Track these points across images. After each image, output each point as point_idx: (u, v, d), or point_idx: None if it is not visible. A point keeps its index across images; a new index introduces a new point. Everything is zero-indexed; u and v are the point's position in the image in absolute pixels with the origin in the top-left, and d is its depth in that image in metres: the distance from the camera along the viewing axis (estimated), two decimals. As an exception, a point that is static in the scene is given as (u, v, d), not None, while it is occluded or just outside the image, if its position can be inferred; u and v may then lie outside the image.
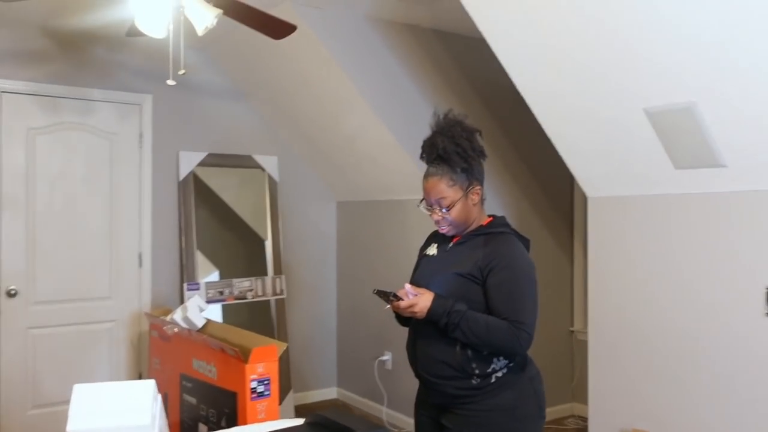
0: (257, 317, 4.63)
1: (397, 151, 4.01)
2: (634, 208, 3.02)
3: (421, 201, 2.10)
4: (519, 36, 2.75)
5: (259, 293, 4.60)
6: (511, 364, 2.01)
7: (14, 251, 3.88)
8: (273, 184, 4.73)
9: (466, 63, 4.30)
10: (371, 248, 4.75)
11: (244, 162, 4.64)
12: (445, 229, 2.09)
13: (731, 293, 2.66)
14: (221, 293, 4.44)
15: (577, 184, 3.22)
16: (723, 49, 2.25)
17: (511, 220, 2.24)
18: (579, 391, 4.43)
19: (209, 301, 4.35)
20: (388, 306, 2.01)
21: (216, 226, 4.58)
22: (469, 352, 1.97)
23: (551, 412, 4.46)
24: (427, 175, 2.06)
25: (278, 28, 2.79)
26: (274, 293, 4.66)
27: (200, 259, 4.42)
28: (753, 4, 2.08)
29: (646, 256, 2.98)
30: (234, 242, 4.67)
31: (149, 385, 2.07)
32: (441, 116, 2.07)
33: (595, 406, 3.24)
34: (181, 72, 2.61)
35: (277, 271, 4.68)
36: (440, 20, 4.04)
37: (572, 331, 4.60)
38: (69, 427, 1.74)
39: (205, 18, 2.47)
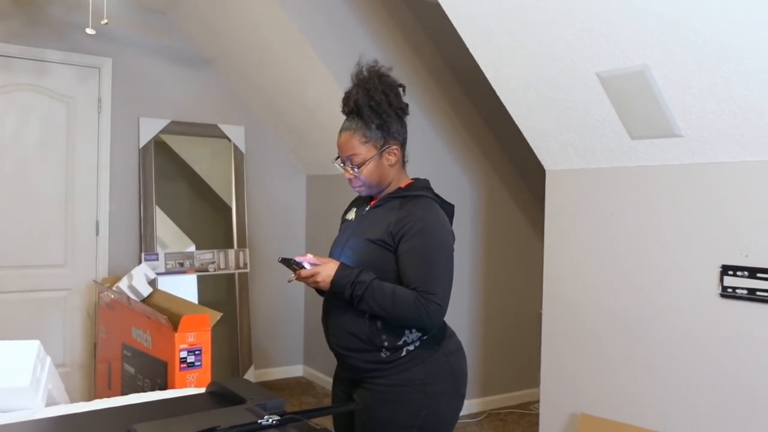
0: (220, 290, 4.52)
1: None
2: (591, 182, 2.86)
3: (337, 158, 1.97)
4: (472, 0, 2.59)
5: (222, 266, 4.48)
6: (424, 338, 1.87)
7: (-37, 214, 3.78)
8: (239, 156, 4.59)
9: (439, 34, 4.13)
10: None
11: (209, 131, 4.50)
12: (358, 189, 1.96)
13: (685, 271, 2.49)
14: (181, 265, 4.33)
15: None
16: (675, 11, 2.08)
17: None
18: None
19: (169, 273, 4.25)
20: (294, 276, 1.88)
21: (179, 195, 4.46)
22: (379, 323, 1.84)
23: (516, 396, 4.33)
24: (341, 130, 1.93)
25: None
26: (237, 267, 4.54)
27: (161, 229, 4.29)
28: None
29: (602, 233, 2.82)
30: (198, 213, 4.55)
31: (33, 345, 1.96)
32: (364, 68, 1.92)
33: (547, 390, 3.09)
34: (104, 22, 2.48)
35: (241, 244, 4.56)
36: (409, -14, 3.87)
37: (541, 314, 4.44)
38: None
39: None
